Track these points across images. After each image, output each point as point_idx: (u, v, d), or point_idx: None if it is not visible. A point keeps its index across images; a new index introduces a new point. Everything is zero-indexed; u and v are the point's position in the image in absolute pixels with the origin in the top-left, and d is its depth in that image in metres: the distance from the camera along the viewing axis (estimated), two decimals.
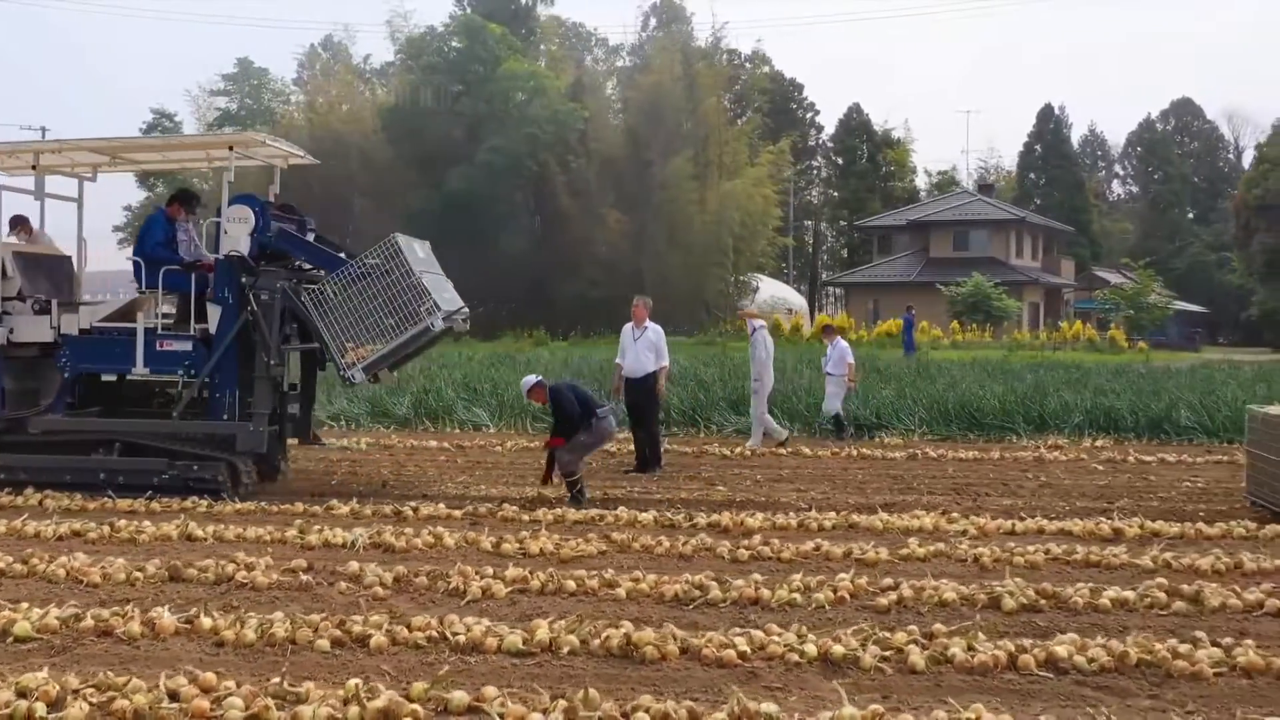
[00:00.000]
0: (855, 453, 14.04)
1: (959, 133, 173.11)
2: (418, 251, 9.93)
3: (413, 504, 9.59)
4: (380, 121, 52.69)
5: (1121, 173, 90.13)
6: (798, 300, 64.24)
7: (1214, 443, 15.45)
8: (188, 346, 9.88)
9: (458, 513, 9.38)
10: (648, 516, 9.27)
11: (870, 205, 73.24)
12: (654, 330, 12.22)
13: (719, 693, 5.28)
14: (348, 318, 9.39)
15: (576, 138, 51.74)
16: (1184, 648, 5.76)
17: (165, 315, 10.05)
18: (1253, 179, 43.90)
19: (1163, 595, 6.80)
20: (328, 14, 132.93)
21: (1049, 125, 77.85)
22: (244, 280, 9.74)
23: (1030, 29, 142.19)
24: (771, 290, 58.35)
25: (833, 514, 9.46)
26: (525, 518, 9.28)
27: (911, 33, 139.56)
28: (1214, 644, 5.87)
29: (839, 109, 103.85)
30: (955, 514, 9.49)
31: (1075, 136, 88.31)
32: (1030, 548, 8.15)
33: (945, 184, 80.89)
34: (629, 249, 51.42)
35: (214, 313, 9.67)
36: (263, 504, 9.60)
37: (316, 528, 8.51)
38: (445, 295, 9.92)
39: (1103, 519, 9.25)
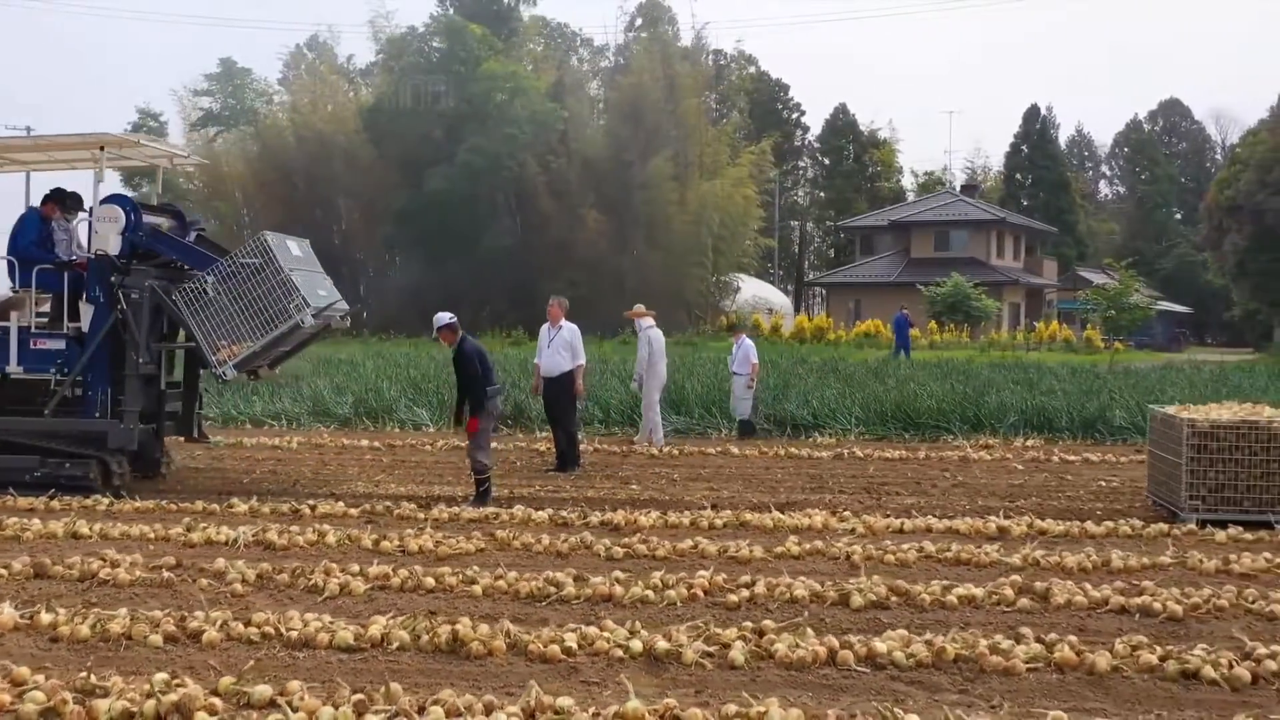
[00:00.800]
0: (783, 452, 14.13)
1: (947, 133, 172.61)
2: (291, 249, 10.03)
3: (311, 502, 9.67)
4: (361, 122, 52.80)
5: (1109, 173, 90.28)
6: (780, 300, 64.32)
7: (1145, 442, 15.54)
8: (61, 345, 9.99)
9: (355, 511, 9.48)
10: (543, 515, 9.36)
11: (856, 205, 73.36)
12: (569, 330, 12.31)
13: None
14: (219, 315, 9.50)
15: (557, 138, 51.82)
16: (1007, 644, 5.85)
17: (43, 314, 10.15)
18: (1225, 180, 43.92)
19: (1010, 592, 6.90)
20: (314, 14, 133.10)
21: (1035, 126, 77.92)
22: (113, 279, 9.84)
23: (1018, 29, 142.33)
24: (754, 290, 58.45)
25: (729, 512, 9.55)
26: (421, 516, 9.37)
27: (899, 33, 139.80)
28: (1038, 640, 5.95)
29: (826, 109, 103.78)
30: (848, 512, 9.59)
31: (1063, 137, 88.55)
32: (905, 546, 8.24)
33: (932, 184, 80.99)
34: (609, 249, 51.50)
35: (87, 311, 9.78)
36: (163, 502, 9.69)
37: (204, 525, 8.60)
38: (319, 292, 10.03)
39: (991, 518, 9.34)
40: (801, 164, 78.77)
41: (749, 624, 6.18)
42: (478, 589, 6.91)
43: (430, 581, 7.00)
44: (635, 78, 52.86)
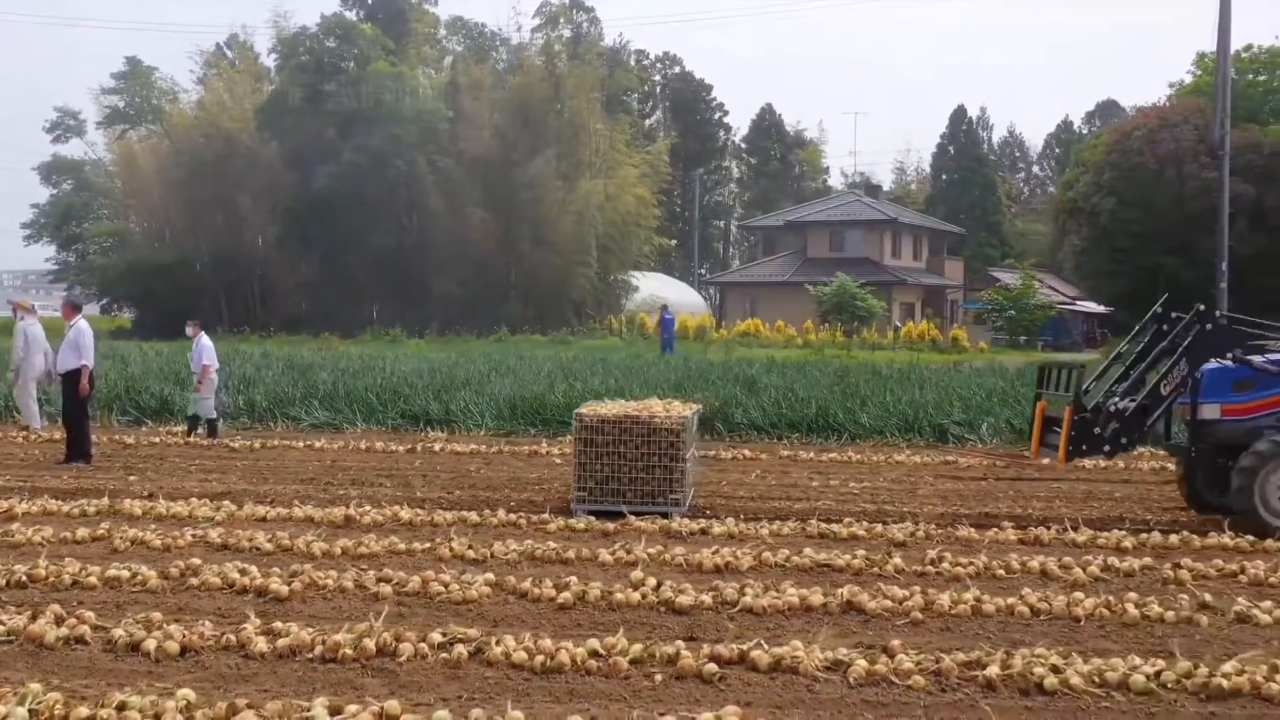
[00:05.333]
0: (349, 446, 14.53)
1: (885, 133, 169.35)
2: None
3: None
4: (255, 121, 53.23)
5: (1040, 173, 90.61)
6: (690, 300, 64.69)
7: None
8: None
9: None
10: None
11: (781, 205, 73.82)
12: (76, 330, 12.67)
13: None
14: None
15: (446, 137, 52.24)
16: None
17: None
18: (1069, 181, 44.33)
19: (153, 574, 7.35)
20: (229, 15, 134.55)
21: (961, 127, 78.43)
22: None
23: (955, 30, 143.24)
24: (652, 289, 58.80)
25: (134, 502, 10.00)
26: None
27: (836, 32, 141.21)
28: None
29: (754, 110, 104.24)
30: (228, 502, 10.04)
31: (996, 138, 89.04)
32: (195, 533, 8.72)
33: (862, 185, 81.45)
34: (496, 248, 51.96)
35: None
36: None
37: None
38: None
39: (349, 508, 9.77)
40: (726, 164, 79.17)
41: None
42: None
43: None
44: (525, 77, 53.35)
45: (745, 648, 6.01)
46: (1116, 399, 10.08)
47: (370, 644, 5.96)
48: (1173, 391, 9.86)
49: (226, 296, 55.84)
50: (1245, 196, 34.54)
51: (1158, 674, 5.75)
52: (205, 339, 15.08)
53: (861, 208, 58.39)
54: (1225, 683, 5.60)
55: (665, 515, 9.84)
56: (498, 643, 5.99)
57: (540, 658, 5.83)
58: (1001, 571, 8.00)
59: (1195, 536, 9.21)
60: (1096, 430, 9.84)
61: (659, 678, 5.72)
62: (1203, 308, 10.12)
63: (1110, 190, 37.60)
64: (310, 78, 51.30)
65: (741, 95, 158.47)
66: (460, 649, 5.94)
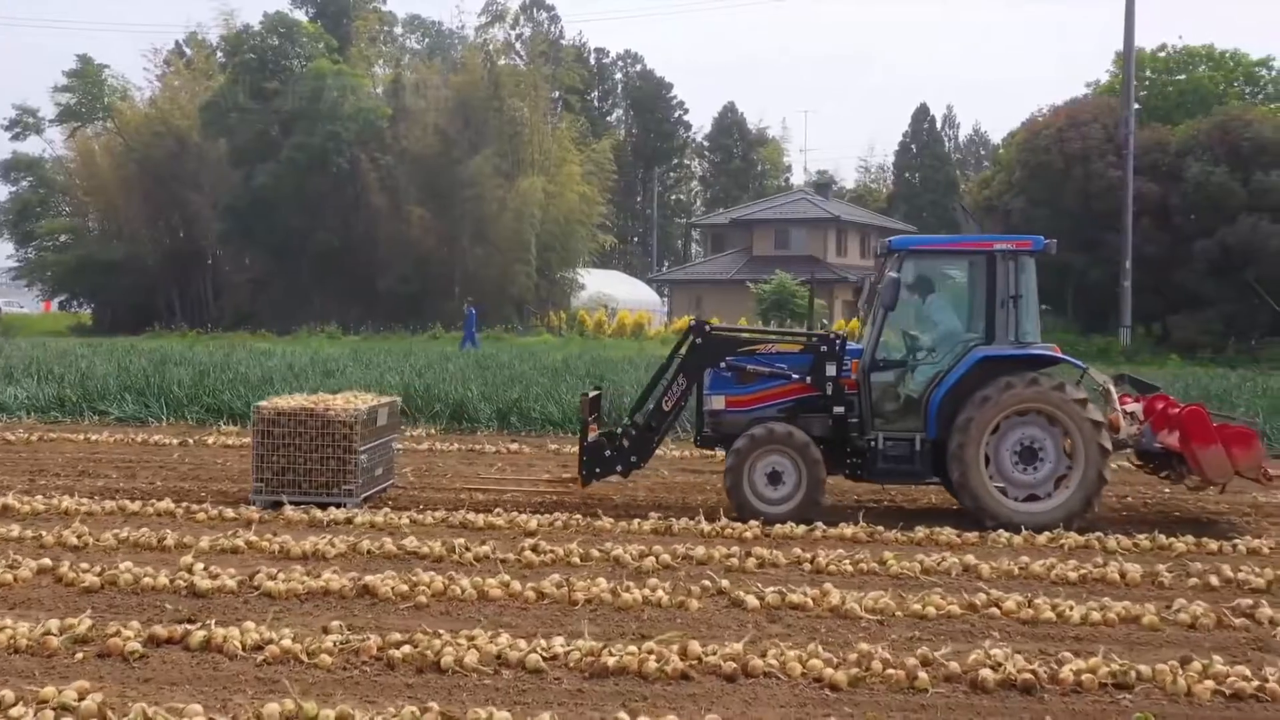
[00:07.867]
0: (126, 439, 14.81)
1: (853, 131, 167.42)
2: None
3: None
4: (199, 119, 53.48)
5: None
6: (642, 296, 64.88)
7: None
8: None
9: None
10: None
11: (743, 203, 74.04)
12: None
13: None
14: None
15: (388, 135, 52.46)
16: None
17: None
18: (986, 180, 44.49)
19: None
20: (182, 14, 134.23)
21: (924, 125, 78.56)
22: None
23: (927, 26, 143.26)
24: (599, 286, 58.97)
25: None
26: None
27: (804, 29, 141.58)
28: None
29: (716, 108, 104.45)
30: None
31: (962, 136, 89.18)
32: None
33: (825, 183, 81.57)
34: (438, 246, 52.20)
35: None
36: None
37: None
38: None
39: (4, 499, 10.03)
40: (687, 161, 79.39)
41: None
42: None
43: None
44: (467, 75, 53.58)
45: (191, 628, 6.25)
46: (627, 419, 10.56)
47: None
48: (674, 406, 10.36)
49: (180, 293, 56.31)
50: (1150, 195, 34.64)
51: (568, 654, 5.99)
52: None
53: (807, 206, 58.51)
54: (610, 661, 5.84)
55: (329, 507, 9.99)
56: None
57: None
58: (577, 560, 8.22)
59: (828, 527, 9.41)
60: (607, 452, 10.33)
61: (80, 656, 5.96)
62: (695, 321, 10.68)
63: (1021, 189, 37.78)
64: (253, 76, 51.54)
65: (705, 94, 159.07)
66: None
